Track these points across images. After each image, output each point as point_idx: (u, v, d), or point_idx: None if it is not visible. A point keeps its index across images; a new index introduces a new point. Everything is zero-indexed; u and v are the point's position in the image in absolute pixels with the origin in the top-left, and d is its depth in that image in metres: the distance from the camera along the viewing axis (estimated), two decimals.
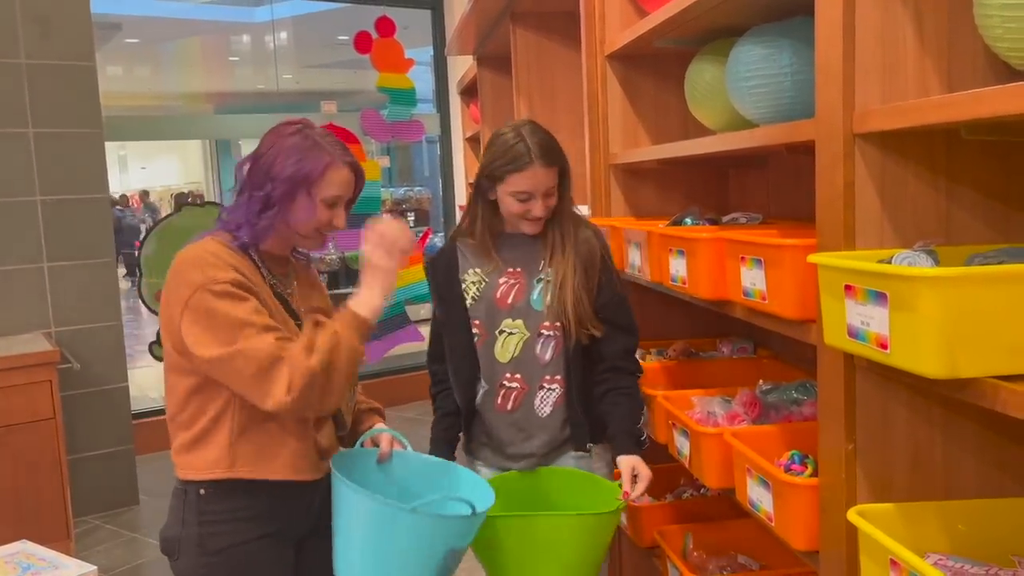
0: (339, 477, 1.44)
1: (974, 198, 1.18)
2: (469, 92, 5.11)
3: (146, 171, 18.96)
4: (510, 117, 3.59)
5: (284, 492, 1.53)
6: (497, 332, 1.84)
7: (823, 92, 1.21)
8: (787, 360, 2.12)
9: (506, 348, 1.84)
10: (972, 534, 1.13)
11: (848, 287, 1.05)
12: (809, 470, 1.47)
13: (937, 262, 1.05)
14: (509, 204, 1.78)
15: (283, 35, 9.55)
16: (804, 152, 1.48)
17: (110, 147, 4.24)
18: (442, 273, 1.89)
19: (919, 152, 1.16)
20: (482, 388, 1.85)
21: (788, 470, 1.47)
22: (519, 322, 1.83)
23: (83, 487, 3.91)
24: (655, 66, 2.34)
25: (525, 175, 1.74)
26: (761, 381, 1.77)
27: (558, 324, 1.81)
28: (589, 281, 1.81)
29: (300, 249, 1.67)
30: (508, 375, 1.83)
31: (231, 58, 11.83)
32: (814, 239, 1.25)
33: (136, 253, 5.20)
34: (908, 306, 0.94)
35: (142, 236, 5.30)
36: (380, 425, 1.68)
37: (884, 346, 0.99)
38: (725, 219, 2.00)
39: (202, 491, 1.49)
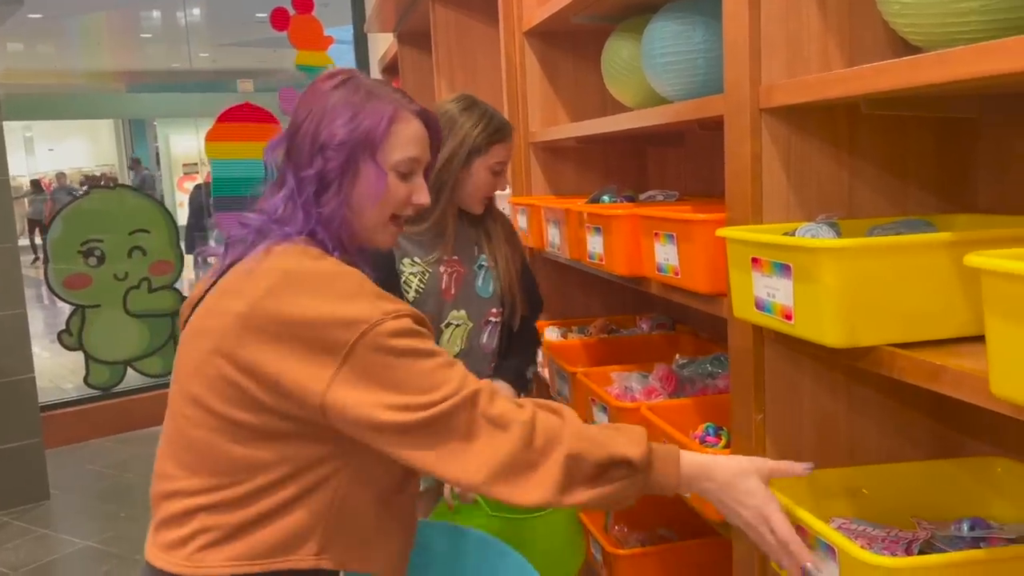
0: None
1: (875, 172, 1.21)
2: (391, 71, 5.02)
3: (54, 153, 18.15)
4: (432, 96, 3.54)
5: None
6: (444, 326, 1.79)
7: (731, 67, 1.22)
8: (704, 335, 2.15)
9: (452, 342, 1.79)
10: (875, 498, 1.17)
11: (755, 260, 1.07)
12: (723, 441, 1.50)
13: (839, 234, 1.07)
14: (482, 180, 1.74)
15: (195, 11, 9.23)
16: (716, 128, 1.49)
17: (14, 128, 4.02)
18: (376, 265, 1.71)
19: (823, 127, 1.18)
20: None
21: (703, 442, 1.50)
22: (463, 312, 1.80)
23: None
24: (573, 43, 2.34)
25: (507, 145, 1.77)
26: (678, 356, 1.79)
27: (502, 310, 1.83)
28: (517, 264, 1.85)
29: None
30: None
31: (143, 35, 11.37)
32: (724, 214, 1.27)
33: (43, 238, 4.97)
34: (810, 277, 0.96)
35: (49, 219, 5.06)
36: None
37: (788, 317, 1.01)
38: (642, 196, 2.01)
39: None
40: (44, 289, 6.41)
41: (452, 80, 3.40)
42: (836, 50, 1.17)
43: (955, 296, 0.93)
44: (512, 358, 1.88)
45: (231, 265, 1.14)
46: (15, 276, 3.86)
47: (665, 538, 1.97)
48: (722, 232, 1.14)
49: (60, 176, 14.88)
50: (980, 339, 0.78)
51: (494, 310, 1.82)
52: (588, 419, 1.85)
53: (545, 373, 2.25)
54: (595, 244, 1.68)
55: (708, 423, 1.53)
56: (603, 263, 1.65)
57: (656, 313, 2.35)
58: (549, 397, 2.26)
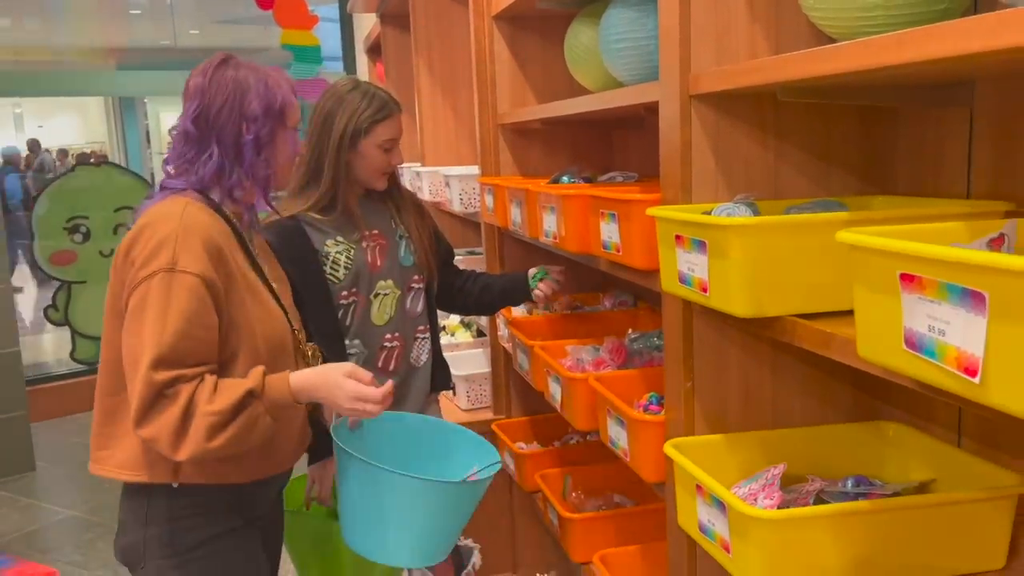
0: (374, 464, 1.39)
1: (799, 156, 1.29)
2: (375, 51, 5.05)
3: (44, 129, 18.05)
4: (411, 76, 3.59)
5: (258, 484, 1.47)
6: (373, 296, 1.92)
7: (664, 55, 1.29)
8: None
9: (382, 310, 1.93)
10: (783, 459, 1.25)
11: (678, 237, 1.15)
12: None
13: (756, 213, 1.14)
14: (374, 158, 1.86)
15: None
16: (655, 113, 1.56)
17: (3, 104, 4.05)
18: (293, 255, 1.77)
19: (750, 112, 1.26)
20: (359, 355, 1.90)
21: (647, 410, 1.58)
22: (390, 282, 1.94)
23: None
24: (541, 27, 2.40)
25: (392, 122, 1.87)
26: (630, 330, 1.87)
27: (423, 275, 1.97)
28: (428, 230, 2.02)
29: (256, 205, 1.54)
30: (388, 336, 1.92)
31: (132, 11, 11.30)
32: (658, 194, 1.35)
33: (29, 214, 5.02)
34: (721, 253, 1.03)
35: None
36: None
37: (704, 290, 1.09)
38: (603, 177, 2.08)
39: (176, 485, 1.39)
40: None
41: (431, 61, 3.46)
42: (763, 40, 1.25)
43: None
44: (499, 289, 2.11)
45: None
46: None
47: (620, 504, 2.06)
48: (651, 211, 1.22)
49: (62, 153, 14.80)
50: None
51: (416, 277, 1.99)
52: (543, 389, 1.93)
53: (509, 347, 2.33)
54: (550, 223, 1.75)
55: (652, 393, 1.61)
56: (557, 241, 1.73)
57: (619, 290, 2.43)
58: (512, 369, 2.35)
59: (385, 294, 1.94)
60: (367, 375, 1.42)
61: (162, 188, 1.45)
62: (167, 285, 1.30)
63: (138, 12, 11.30)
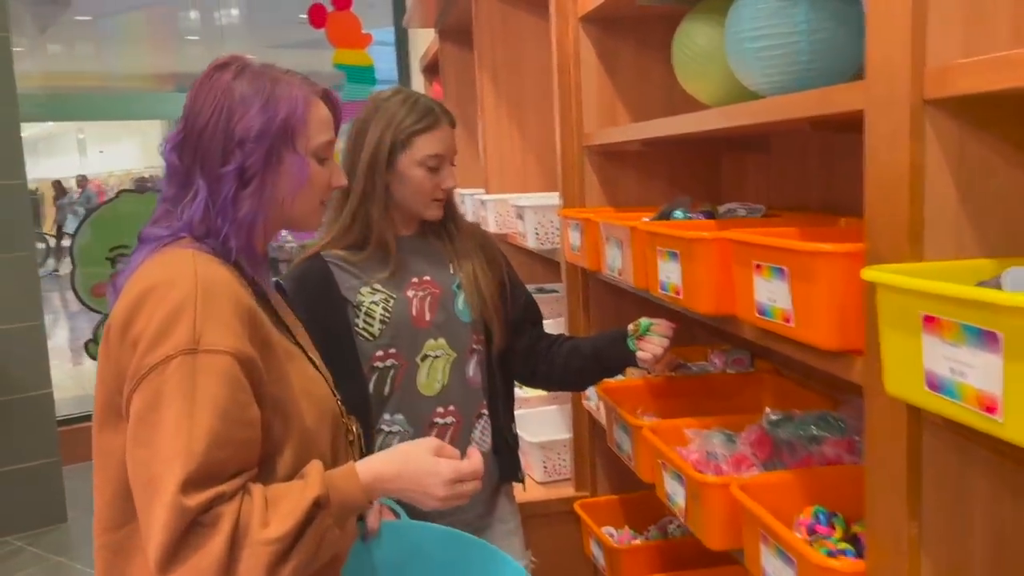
0: None
1: None
2: (432, 70, 4.75)
3: (104, 155, 18.30)
4: (474, 95, 3.24)
5: None
6: (419, 359, 1.51)
7: (877, 46, 0.88)
8: (791, 376, 1.80)
9: (432, 377, 1.52)
10: None
11: (929, 320, 0.73)
12: (838, 533, 1.16)
13: None
14: (417, 180, 1.49)
15: (234, 12, 9.11)
16: (832, 128, 1.16)
17: (67, 128, 3.84)
18: (314, 303, 1.42)
19: (1013, 127, 0.84)
20: (400, 434, 1.50)
21: (812, 532, 1.16)
22: (442, 341, 1.53)
23: (2, 505, 3.54)
24: (637, 30, 2.01)
25: (437, 134, 1.49)
26: (768, 409, 1.45)
27: (482, 335, 1.57)
28: (496, 280, 1.60)
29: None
30: (440, 410, 1.51)
31: (188, 37, 11.36)
32: (858, 244, 0.94)
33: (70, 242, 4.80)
34: None
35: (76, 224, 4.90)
36: None
37: (991, 409, 0.68)
38: (721, 210, 1.67)
39: None
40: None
41: (496, 77, 3.11)
42: None
43: None
44: (590, 350, 1.65)
45: None
46: (33, 286, 3.67)
47: None
48: (871, 275, 0.81)
49: (81, 180, 14.87)
50: None
51: (476, 336, 1.57)
52: (654, 482, 1.51)
53: (601, 415, 1.92)
54: (670, 272, 1.35)
55: (818, 507, 1.19)
56: (680, 296, 1.33)
57: (730, 346, 2.01)
58: (599, 438, 1.93)
59: (436, 356, 1.53)
60: (454, 450, 1.12)
61: (142, 240, 1.09)
62: (190, 372, 0.96)
63: (196, 38, 11.36)
